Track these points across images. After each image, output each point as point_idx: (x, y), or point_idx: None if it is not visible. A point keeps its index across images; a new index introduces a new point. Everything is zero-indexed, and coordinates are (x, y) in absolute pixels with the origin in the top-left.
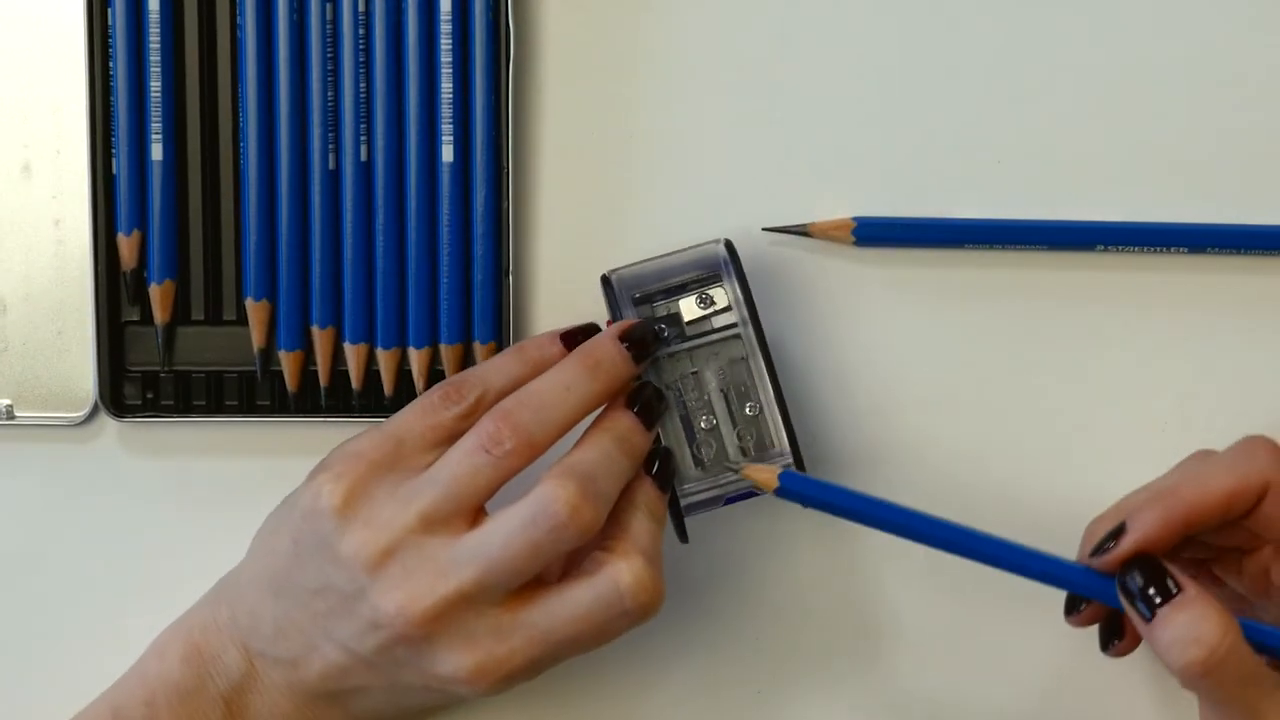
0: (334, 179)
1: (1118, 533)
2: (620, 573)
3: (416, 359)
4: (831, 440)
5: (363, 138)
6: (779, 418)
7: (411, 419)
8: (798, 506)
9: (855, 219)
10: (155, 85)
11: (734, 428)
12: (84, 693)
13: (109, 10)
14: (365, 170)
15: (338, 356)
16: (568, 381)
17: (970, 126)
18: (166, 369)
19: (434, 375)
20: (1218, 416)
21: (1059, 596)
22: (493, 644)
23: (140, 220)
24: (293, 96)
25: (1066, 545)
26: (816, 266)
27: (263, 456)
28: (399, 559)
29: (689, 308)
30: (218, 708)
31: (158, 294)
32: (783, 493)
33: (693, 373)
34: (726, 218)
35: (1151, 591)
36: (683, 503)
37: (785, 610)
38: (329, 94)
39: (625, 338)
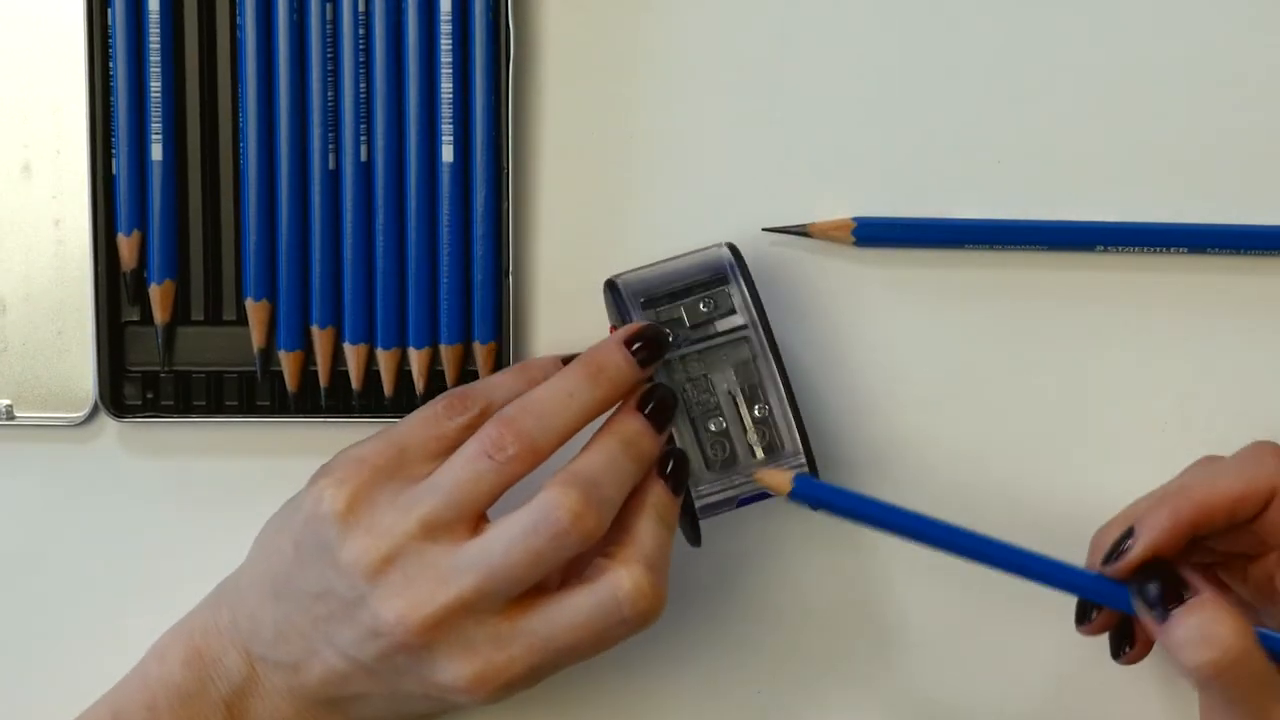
0: (334, 179)
1: (1128, 536)
2: (620, 580)
3: (416, 359)
4: (831, 440)
5: (363, 138)
6: (791, 419)
7: (414, 427)
8: (804, 508)
9: (855, 219)
10: (155, 85)
11: (744, 430)
12: (84, 693)
13: (109, 10)
14: (365, 170)
15: (338, 357)
16: (570, 388)
17: (970, 126)
18: (166, 369)
19: (434, 375)
20: (1218, 416)
21: (1061, 598)
22: (492, 652)
23: (140, 220)
24: (293, 96)
25: (1066, 544)
26: (816, 266)
27: (263, 456)
28: (400, 566)
29: (695, 311)
30: (219, 712)
31: (158, 294)
32: (796, 497)
33: (702, 375)
34: (726, 218)
35: (1166, 594)
36: (697, 504)
37: (786, 610)
38: (329, 94)
39: (632, 341)
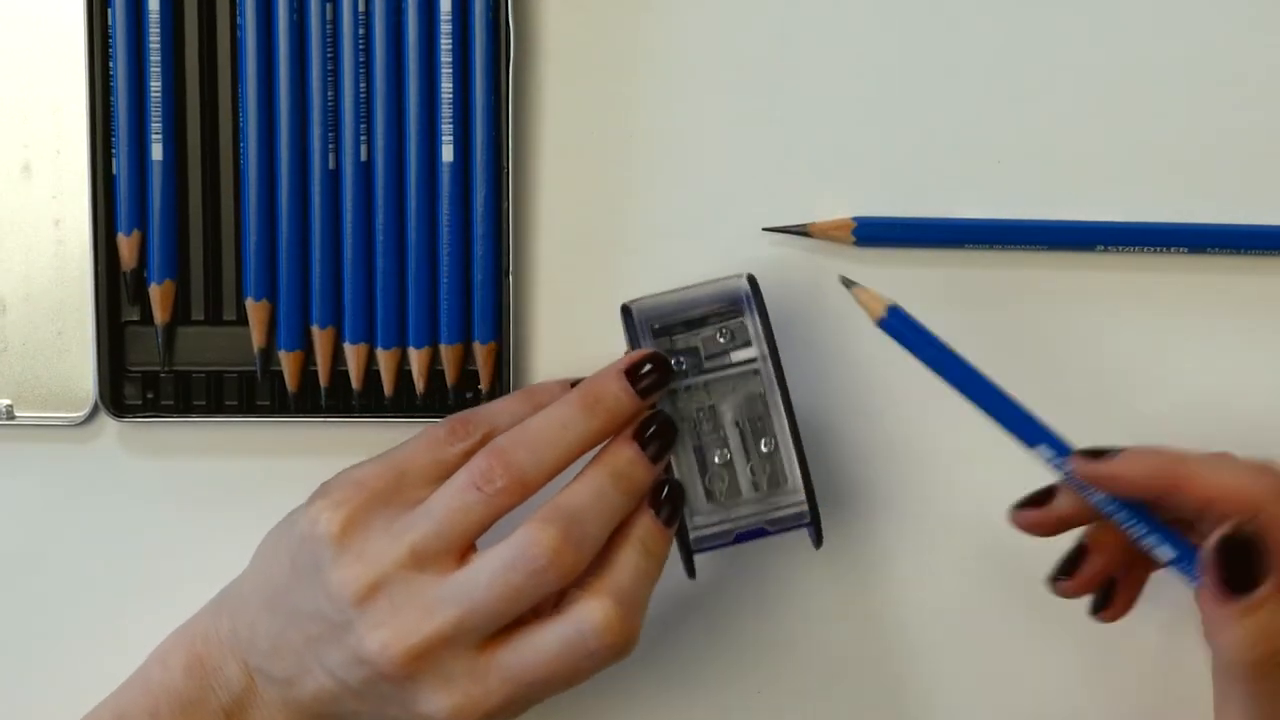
0: (334, 179)
1: (1112, 453)
2: (588, 613)
3: (416, 359)
4: (829, 439)
5: (363, 138)
6: (794, 456)
7: (416, 451)
8: (802, 535)
9: (855, 219)
10: (155, 85)
11: (748, 462)
12: (84, 693)
13: (109, 10)
14: (365, 170)
15: (338, 356)
16: (565, 419)
17: (970, 126)
18: (166, 369)
19: (434, 375)
20: (1218, 416)
21: (1065, 603)
22: (469, 685)
23: (140, 220)
24: (293, 96)
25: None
26: (816, 266)
27: (263, 456)
28: (387, 594)
29: (714, 342)
30: None
31: (158, 294)
32: (885, 325)
33: (709, 406)
34: (726, 218)
35: (1245, 571)
36: (692, 536)
37: (787, 609)
38: (329, 94)
39: (633, 370)
